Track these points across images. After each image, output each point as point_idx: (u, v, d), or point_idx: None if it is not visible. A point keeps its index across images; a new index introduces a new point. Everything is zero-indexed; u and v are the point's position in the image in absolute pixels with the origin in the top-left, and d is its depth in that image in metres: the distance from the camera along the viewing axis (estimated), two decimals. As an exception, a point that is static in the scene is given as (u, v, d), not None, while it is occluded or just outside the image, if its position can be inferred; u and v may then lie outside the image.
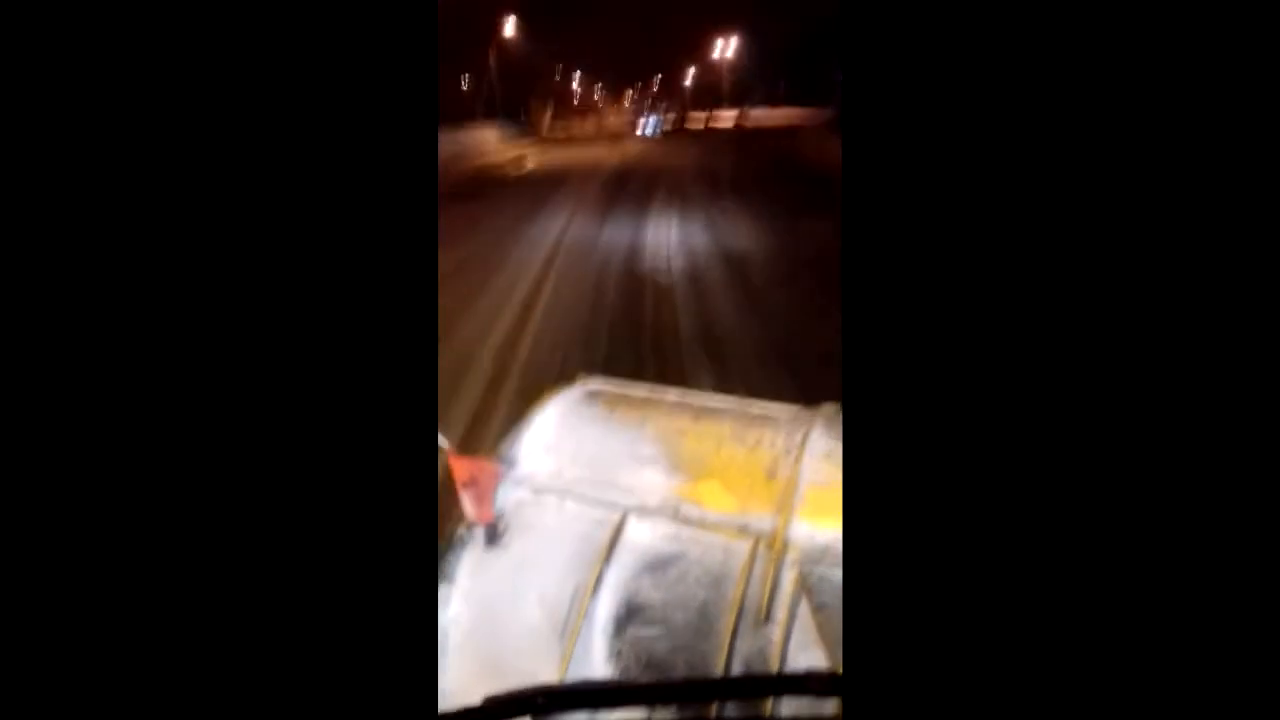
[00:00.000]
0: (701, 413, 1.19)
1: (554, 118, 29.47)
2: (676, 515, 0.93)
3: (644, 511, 0.94)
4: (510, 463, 1.07)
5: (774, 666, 0.75)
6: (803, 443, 1.03)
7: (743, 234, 6.91)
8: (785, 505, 0.91)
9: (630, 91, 51.99)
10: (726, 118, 30.23)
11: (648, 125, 26.33)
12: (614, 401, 1.23)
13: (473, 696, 0.61)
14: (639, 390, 1.32)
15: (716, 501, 0.95)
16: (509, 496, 1.02)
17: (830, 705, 0.65)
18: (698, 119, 29.14)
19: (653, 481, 1.00)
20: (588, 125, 31.86)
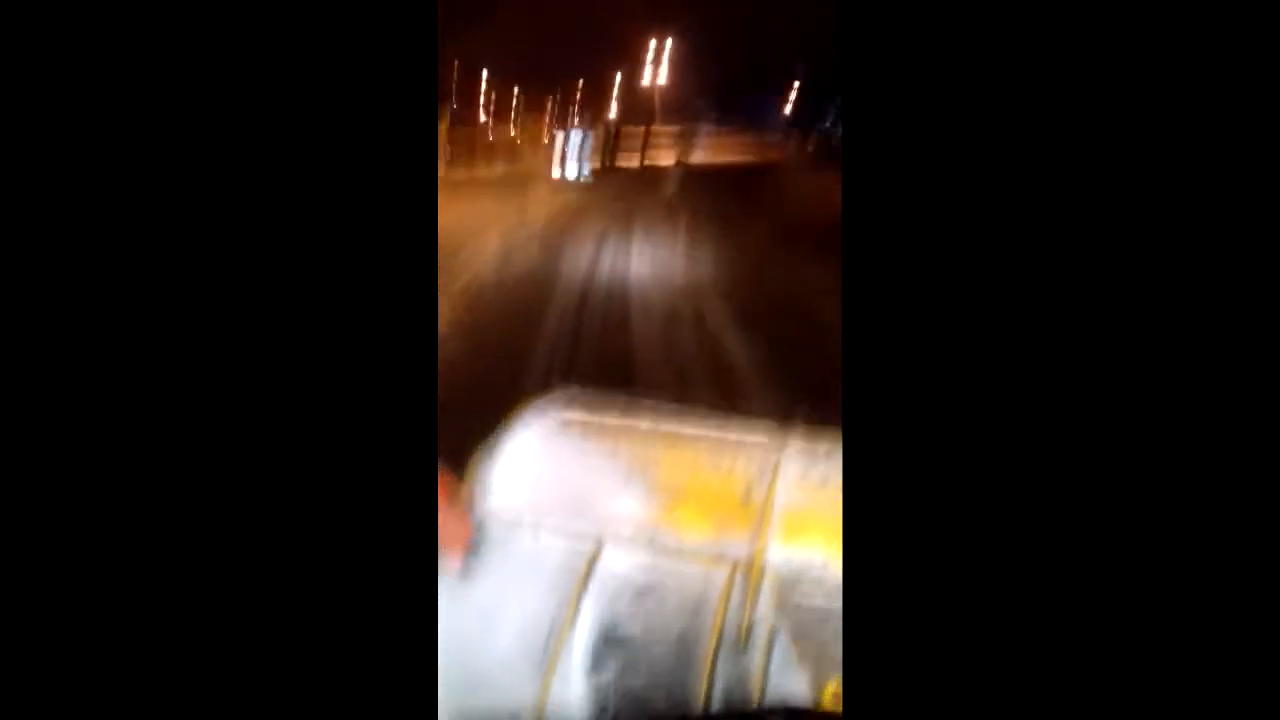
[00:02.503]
0: (675, 438, 1.23)
1: (452, 128, 23.02)
2: (652, 543, 0.95)
3: (619, 540, 0.95)
4: (482, 489, 1.05)
5: (755, 693, 0.76)
6: (777, 466, 1.06)
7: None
8: (761, 529, 0.94)
9: (550, 102, 46.49)
10: (665, 146, 24.71)
11: (570, 160, 20.09)
12: (586, 427, 1.26)
13: None
14: (611, 412, 1.32)
15: (692, 527, 0.97)
16: (482, 526, 1.00)
17: None
18: (633, 135, 23.45)
19: (627, 509, 1.02)
20: (497, 144, 25.52)
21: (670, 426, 1.26)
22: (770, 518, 0.95)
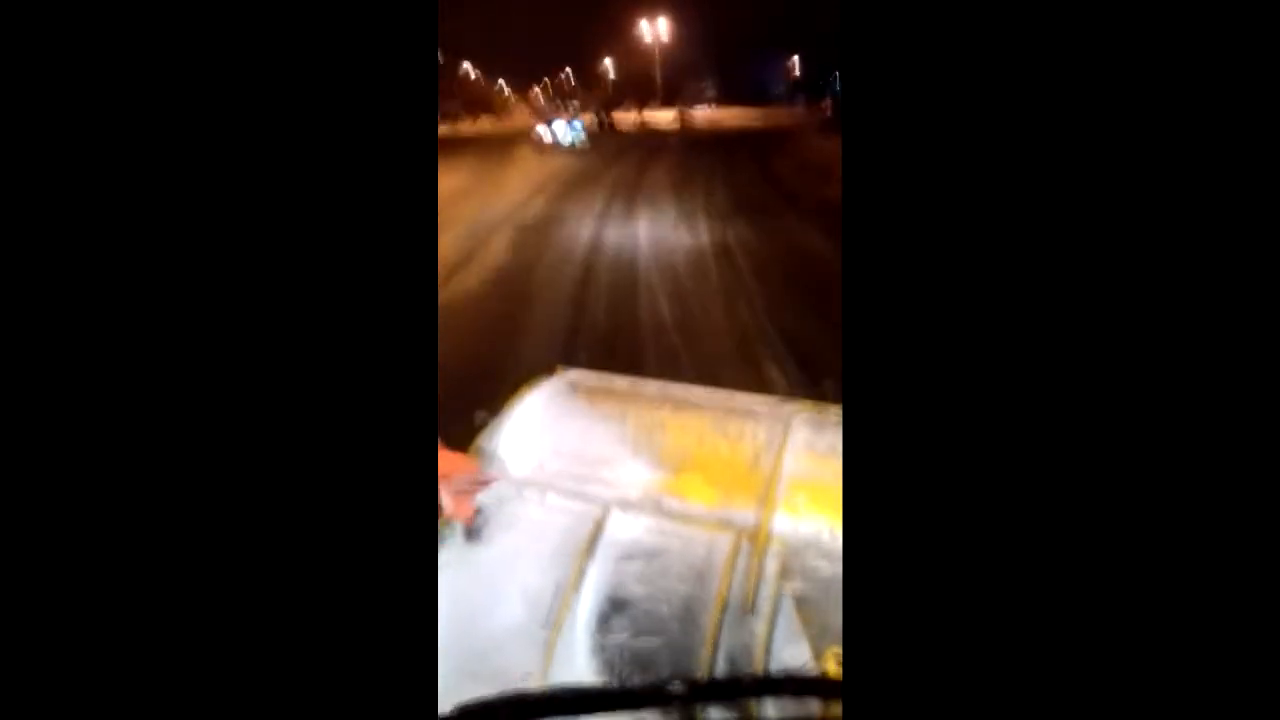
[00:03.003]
0: (682, 406, 1.18)
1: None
2: (659, 509, 0.94)
3: (626, 505, 0.94)
4: (491, 457, 1.05)
5: (758, 660, 0.75)
6: (784, 436, 1.03)
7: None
8: (768, 498, 0.92)
9: (537, 89, 45.18)
10: (662, 120, 23.39)
11: (557, 129, 15.78)
12: (595, 394, 1.22)
13: (452, 695, 0.61)
14: (620, 383, 1.29)
15: (699, 495, 0.95)
16: (489, 490, 1.00)
17: (815, 705, 0.66)
18: (633, 95, 22.08)
19: (635, 475, 1.00)
20: (481, 126, 24.02)
21: (679, 392, 1.23)
22: (777, 485, 0.93)
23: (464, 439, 1.06)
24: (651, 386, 1.25)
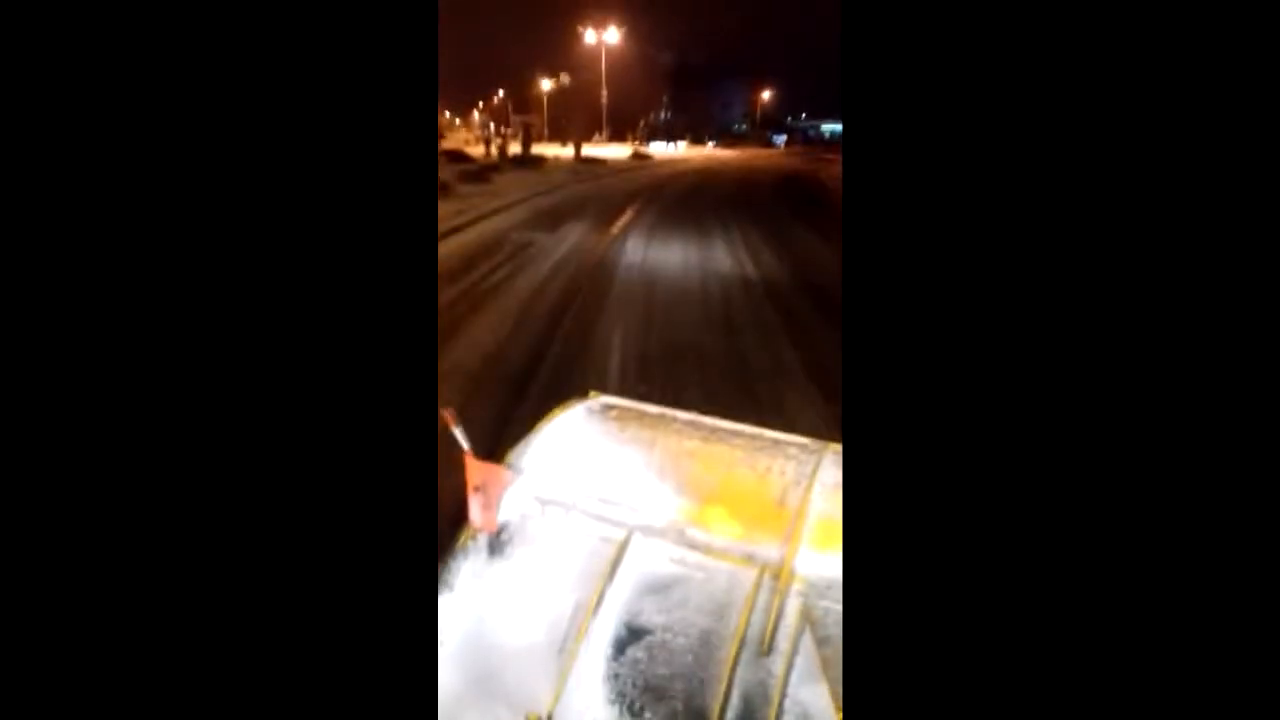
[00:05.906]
0: (712, 437, 1.20)
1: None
2: (682, 538, 0.94)
3: (649, 532, 0.95)
4: (518, 472, 1.07)
5: (774, 699, 0.75)
6: (813, 473, 1.04)
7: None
8: (793, 535, 0.92)
9: (476, 114, 40.62)
10: (612, 156, 18.94)
11: None
12: (625, 419, 1.24)
13: (463, 708, 0.60)
14: (651, 410, 1.32)
15: (723, 527, 0.96)
16: (515, 508, 1.02)
17: None
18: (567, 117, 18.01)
19: (660, 502, 1.01)
20: None
21: (709, 422, 1.24)
22: (804, 523, 0.92)
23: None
24: (683, 416, 1.24)
